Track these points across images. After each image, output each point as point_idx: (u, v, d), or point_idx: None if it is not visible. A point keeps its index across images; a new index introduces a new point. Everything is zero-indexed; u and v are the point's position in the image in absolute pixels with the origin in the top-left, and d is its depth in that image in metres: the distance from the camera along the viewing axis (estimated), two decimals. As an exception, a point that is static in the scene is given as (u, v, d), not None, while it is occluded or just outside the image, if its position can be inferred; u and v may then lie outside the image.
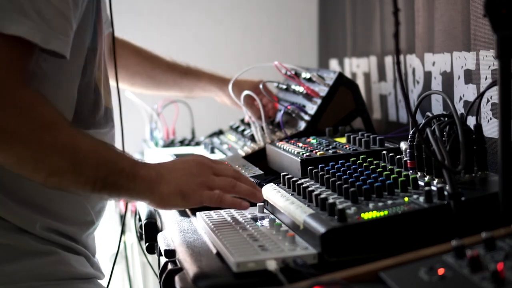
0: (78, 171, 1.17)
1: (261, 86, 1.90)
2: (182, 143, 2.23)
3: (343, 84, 1.78)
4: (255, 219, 1.28)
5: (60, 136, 1.16)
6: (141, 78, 2.00)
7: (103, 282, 1.47)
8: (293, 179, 1.33)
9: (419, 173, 1.26)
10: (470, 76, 1.54)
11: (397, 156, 1.34)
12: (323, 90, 1.79)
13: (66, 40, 1.20)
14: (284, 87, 1.98)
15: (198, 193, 1.26)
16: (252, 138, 1.84)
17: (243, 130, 1.98)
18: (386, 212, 1.08)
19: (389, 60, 2.07)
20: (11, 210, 1.29)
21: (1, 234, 1.28)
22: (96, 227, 1.46)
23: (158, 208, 1.34)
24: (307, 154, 1.48)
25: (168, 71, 2.01)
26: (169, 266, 1.18)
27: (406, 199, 1.14)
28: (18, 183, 1.28)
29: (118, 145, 1.51)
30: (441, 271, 0.87)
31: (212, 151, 1.96)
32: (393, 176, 1.22)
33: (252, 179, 1.47)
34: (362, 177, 1.22)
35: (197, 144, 2.20)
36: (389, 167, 1.30)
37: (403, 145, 1.39)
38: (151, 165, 1.28)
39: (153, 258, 1.61)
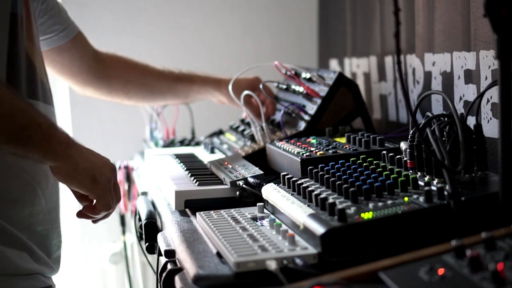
0: None
1: (261, 86, 1.90)
2: (182, 143, 2.23)
3: (343, 84, 1.78)
4: (255, 219, 1.28)
5: None
6: (134, 87, 1.97)
7: (58, 276, 1.45)
8: (293, 179, 1.33)
9: (419, 173, 1.26)
10: (470, 76, 1.54)
11: (397, 156, 1.34)
12: (323, 90, 1.79)
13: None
14: (284, 87, 1.98)
15: (105, 188, 1.31)
16: (252, 138, 1.84)
17: (243, 130, 1.98)
18: (386, 212, 1.08)
19: (389, 60, 2.07)
20: None
21: None
22: (48, 215, 1.41)
23: (62, 179, 1.29)
24: (307, 154, 1.48)
25: (161, 78, 1.99)
26: (169, 266, 1.18)
27: (406, 199, 1.14)
28: None
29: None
30: (441, 271, 0.87)
31: (212, 151, 1.96)
32: (393, 176, 1.22)
33: (252, 179, 1.47)
34: (362, 177, 1.22)
35: (197, 144, 2.20)
36: (389, 167, 1.30)
37: (403, 145, 1.39)
38: (70, 136, 1.28)
39: (153, 258, 1.61)
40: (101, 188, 1.31)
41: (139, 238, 1.58)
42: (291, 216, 1.19)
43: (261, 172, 1.52)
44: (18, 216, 1.35)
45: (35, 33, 1.40)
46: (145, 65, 1.99)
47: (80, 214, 1.36)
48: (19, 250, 1.33)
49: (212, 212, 1.34)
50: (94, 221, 1.39)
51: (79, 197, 1.34)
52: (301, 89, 1.84)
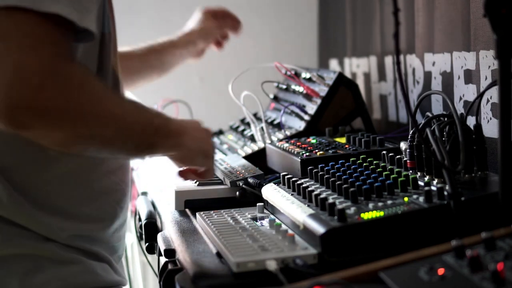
0: (125, 138, 1.19)
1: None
2: (182, 143, 2.22)
3: (343, 84, 1.78)
4: (255, 219, 1.28)
5: (111, 108, 1.15)
6: (128, 73, 1.91)
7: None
8: (293, 179, 1.33)
9: (419, 173, 1.26)
10: (470, 76, 1.54)
11: (397, 156, 1.34)
12: (323, 90, 1.79)
13: (94, 19, 1.16)
14: (284, 87, 1.98)
15: (213, 157, 1.38)
16: (252, 138, 1.84)
17: (243, 130, 1.98)
18: (386, 212, 1.08)
19: (389, 60, 2.07)
20: (38, 220, 1.25)
21: (26, 244, 1.25)
22: (121, 223, 1.43)
23: (179, 163, 1.36)
24: (307, 154, 1.48)
25: (130, 57, 1.94)
26: (169, 266, 1.18)
27: (406, 199, 1.14)
28: (46, 191, 1.26)
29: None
30: (441, 271, 0.87)
31: (212, 151, 1.95)
32: (393, 176, 1.22)
33: (252, 179, 1.47)
34: (362, 177, 1.22)
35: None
36: (389, 167, 1.30)
37: (403, 145, 1.39)
38: (177, 120, 1.32)
39: (153, 258, 1.61)
40: (210, 161, 1.37)
41: (139, 238, 1.58)
42: (291, 216, 1.19)
43: (261, 172, 1.52)
44: (98, 236, 1.36)
45: (117, 45, 1.41)
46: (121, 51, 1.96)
47: (181, 174, 1.40)
48: (101, 262, 1.35)
49: (212, 212, 1.34)
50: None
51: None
52: (301, 89, 1.84)
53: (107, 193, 1.36)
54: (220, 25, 2.01)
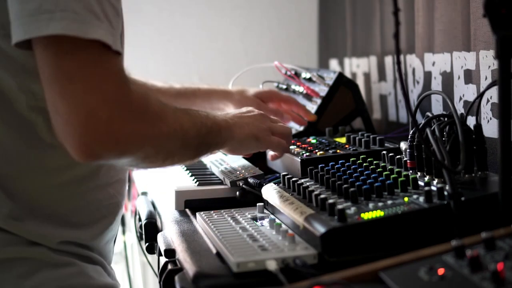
0: (186, 147, 1.24)
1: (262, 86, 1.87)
2: (182, 143, 2.22)
3: (343, 84, 1.78)
4: (255, 219, 1.28)
5: (171, 123, 1.18)
6: None
7: None
8: (293, 179, 1.33)
9: (419, 173, 1.26)
10: (470, 76, 1.54)
11: (397, 156, 1.34)
12: (323, 90, 1.79)
13: (121, 40, 1.15)
14: (284, 87, 1.98)
15: (268, 137, 1.43)
16: (252, 138, 1.83)
17: (243, 130, 1.98)
18: (386, 212, 1.08)
19: (389, 60, 2.07)
20: (30, 228, 1.24)
21: (14, 250, 1.23)
22: (113, 234, 1.43)
23: (233, 153, 1.48)
24: (307, 154, 1.48)
25: (160, 95, 1.85)
26: (169, 266, 1.18)
27: (406, 199, 1.14)
28: (41, 199, 1.25)
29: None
30: (441, 271, 0.87)
31: (212, 151, 1.95)
32: (393, 176, 1.22)
33: (252, 179, 1.47)
34: (362, 177, 1.22)
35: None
36: (389, 167, 1.30)
37: (403, 145, 1.39)
38: (224, 115, 1.39)
39: (153, 258, 1.61)
40: (264, 142, 1.43)
41: (139, 238, 1.58)
42: (291, 216, 1.19)
43: (261, 172, 1.52)
44: (92, 244, 1.36)
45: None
46: (143, 84, 1.86)
47: (272, 157, 1.55)
48: (94, 264, 1.35)
49: (212, 212, 1.35)
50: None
51: None
52: (301, 89, 1.84)
53: (103, 204, 1.35)
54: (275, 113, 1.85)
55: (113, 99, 1.05)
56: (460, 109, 1.59)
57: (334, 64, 2.64)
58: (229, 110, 1.87)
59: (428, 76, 1.78)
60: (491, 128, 1.44)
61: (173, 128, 1.17)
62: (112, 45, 1.06)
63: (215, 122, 1.31)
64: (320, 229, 1.06)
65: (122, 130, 1.06)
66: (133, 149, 1.10)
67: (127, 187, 1.46)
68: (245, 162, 1.64)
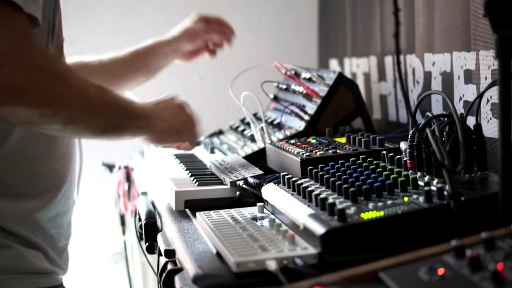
0: (91, 117, 1.25)
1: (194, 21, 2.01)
2: (182, 143, 2.22)
3: (343, 84, 1.78)
4: (255, 219, 1.28)
5: (73, 87, 1.21)
6: (113, 78, 1.93)
7: (67, 277, 1.48)
8: (293, 179, 1.33)
9: (419, 173, 1.26)
10: (470, 76, 1.54)
11: (397, 156, 1.34)
12: (323, 90, 1.79)
13: (40, 8, 1.19)
14: (284, 87, 1.98)
15: (187, 132, 1.46)
16: (252, 138, 1.84)
17: (243, 130, 1.98)
18: (386, 212, 1.08)
19: (389, 60, 2.07)
20: None
21: None
22: (62, 211, 1.43)
23: (154, 144, 1.47)
24: (307, 154, 1.48)
25: (128, 59, 1.95)
26: (169, 266, 1.18)
27: (406, 199, 1.14)
28: None
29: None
30: (441, 271, 0.87)
31: (212, 151, 1.96)
32: (393, 176, 1.22)
33: (252, 179, 1.47)
34: (362, 177, 1.22)
35: (197, 144, 2.20)
36: (389, 167, 1.30)
37: (403, 145, 1.39)
38: (145, 104, 1.39)
39: (153, 258, 1.61)
40: (186, 135, 1.47)
41: (139, 238, 1.58)
42: (291, 216, 1.19)
43: (261, 172, 1.52)
44: (35, 219, 1.37)
45: (62, 42, 1.43)
46: (95, 61, 1.92)
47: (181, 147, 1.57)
48: (34, 249, 1.36)
49: (212, 212, 1.34)
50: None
51: None
52: (301, 89, 1.84)
53: (46, 177, 1.37)
54: (208, 29, 2.00)
55: (8, 51, 1.11)
56: (460, 109, 1.59)
57: (334, 64, 2.64)
58: (175, 55, 2.00)
59: (428, 76, 1.78)
60: (491, 128, 1.44)
61: (76, 93, 1.20)
62: (23, 6, 1.13)
63: (131, 107, 1.33)
64: (320, 229, 1.06)
65: (10, 78, 1.11)
66: (23, 101, 1.14)
67: (75, 164, 1.47)
68: (245, 162, 1.64)
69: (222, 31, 2.04)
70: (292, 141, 1.65)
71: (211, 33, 2.03)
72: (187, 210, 1.48)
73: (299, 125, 1.78)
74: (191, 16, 2.07)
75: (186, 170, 1.69)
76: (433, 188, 1.15)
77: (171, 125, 1.43)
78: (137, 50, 1.99)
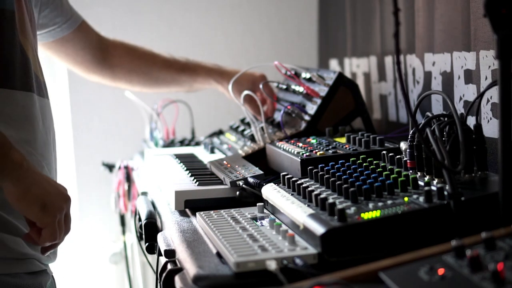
0: None
1: (261, 86, 1.90)
2: (182, 143, 2.23)
3: (343, 84, 1.78)
4: (255, 219, 1.28)
5: None
6: (137, 76, 2.00)
7: (59, 276, 1.46)
8: (293, 179, 1.33)
9: (419, 173, 1.26)
10: (470, 76, 1.54)
11: (397, 156, 1.34)
12: (323, 90, 1.79)
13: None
14: (284, 87, 1.98)
15: (53, 218, 1.24)
16: (252, 138, 1.84)
17: (243, 130, 1.98)
18: (386, 212, 1.08)
19: (389, 60, 2.07)
20: None
21: None
22: None
23: (11, 202, 1.23)
24: (307, 154, 1.48)
25: (164, 68, 2.01)
26: (169, 266, 1.18)
27: (406, 199, 1.14)
28: None
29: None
30: (441, 271, 0.87)
31: (212, 151, 1.96)
32: (393, 176, 1.22)
33: (252, 179, 1.47)
34: (362, 177, 1.22)
35: (197, 144, 2.20)
36: (389, 167, 1.30)
37: (403, 145, 1.39)
38: (26, 159, 1.24)
39: (153, 258, 1.61)
40: (49, 218, 1.23)
41: (139, 238, 1.58)
42: (291, 216, 1.19)
43: (261, 172, 1.52)
44: None
45: (28, 27, 1.42)
46: (151, 54, 2.01)
47: (25, 237, 1.28)
48: (14, 236, 1.34)
49: (212, 212, 1.34)
50: (43, 252, 1.32)
51: (28, 221, 1.27)
52: (301, 89, 1.84)
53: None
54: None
55: None
56: (460, 109, 1.59)
57: (334, 64, 2.64)
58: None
59: (428, 76, 1.78)
60: (491, 128, 1.44)
61: None
62: None
63: (8, 150, 1.20)
64: (320, 229, 1.06)
65: None
66: None
67: (52, 152, 1.45)
68: (245, 162, 1.64)
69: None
70: (292, 141, 1.65)
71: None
72: (187, 210, 1.48)
73: (299, 125, 1.78)
74: (256, 76, 2.01)
75: (186, 170, 1.69)
76: (433, 188, 1.15)
77: (42, 196, 1.22)
78: (189, 71, 2.03)
